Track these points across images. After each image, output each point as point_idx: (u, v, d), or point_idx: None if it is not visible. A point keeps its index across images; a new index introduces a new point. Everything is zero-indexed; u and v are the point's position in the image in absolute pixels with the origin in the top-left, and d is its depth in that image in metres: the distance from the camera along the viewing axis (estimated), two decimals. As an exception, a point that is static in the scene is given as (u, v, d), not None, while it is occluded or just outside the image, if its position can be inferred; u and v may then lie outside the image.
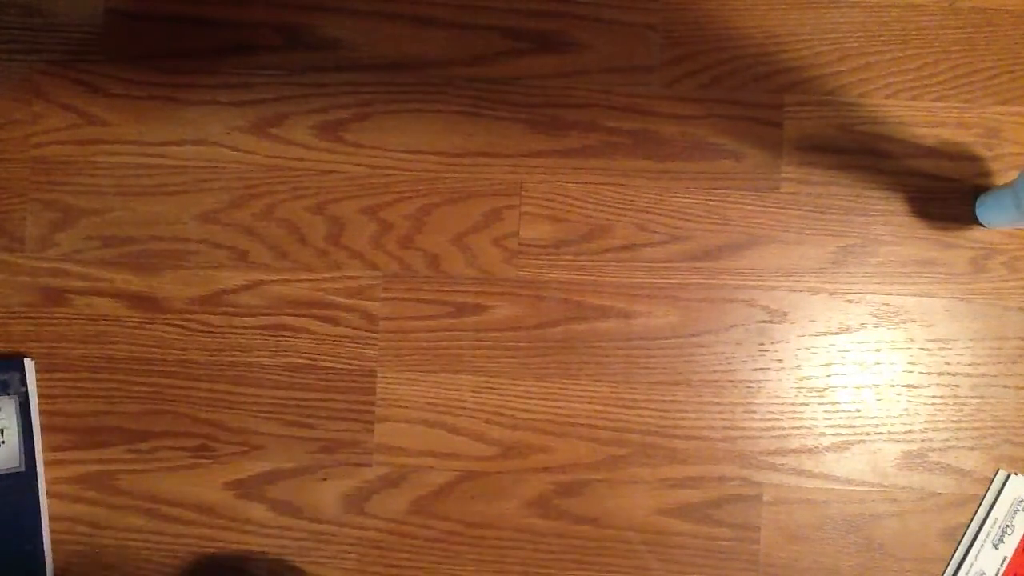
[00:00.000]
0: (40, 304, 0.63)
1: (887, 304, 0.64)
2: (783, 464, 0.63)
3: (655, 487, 0.63)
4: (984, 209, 0.62)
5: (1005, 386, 0.63)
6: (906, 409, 0.63)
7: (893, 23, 0.64)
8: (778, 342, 0.64)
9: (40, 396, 0.63)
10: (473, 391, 0.63)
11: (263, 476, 0.63)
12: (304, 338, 0.63)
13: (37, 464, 0.62)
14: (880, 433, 0.63)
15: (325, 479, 0.63)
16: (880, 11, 0.64)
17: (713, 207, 0.64)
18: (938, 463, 0.63)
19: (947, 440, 0.63)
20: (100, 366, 0.63)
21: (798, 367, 0.64)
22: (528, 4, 0.64)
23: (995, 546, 0.63)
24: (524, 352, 0.63)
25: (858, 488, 0.63)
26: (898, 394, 0.64)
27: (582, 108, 0.64)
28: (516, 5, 0.64)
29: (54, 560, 0.63)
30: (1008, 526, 0.63)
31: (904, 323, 0.64)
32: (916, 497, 0.63)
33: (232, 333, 0.64)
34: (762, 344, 0.64)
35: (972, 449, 0.63)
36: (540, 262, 0.63)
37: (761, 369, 0.63)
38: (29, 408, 0.62)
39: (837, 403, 0.64)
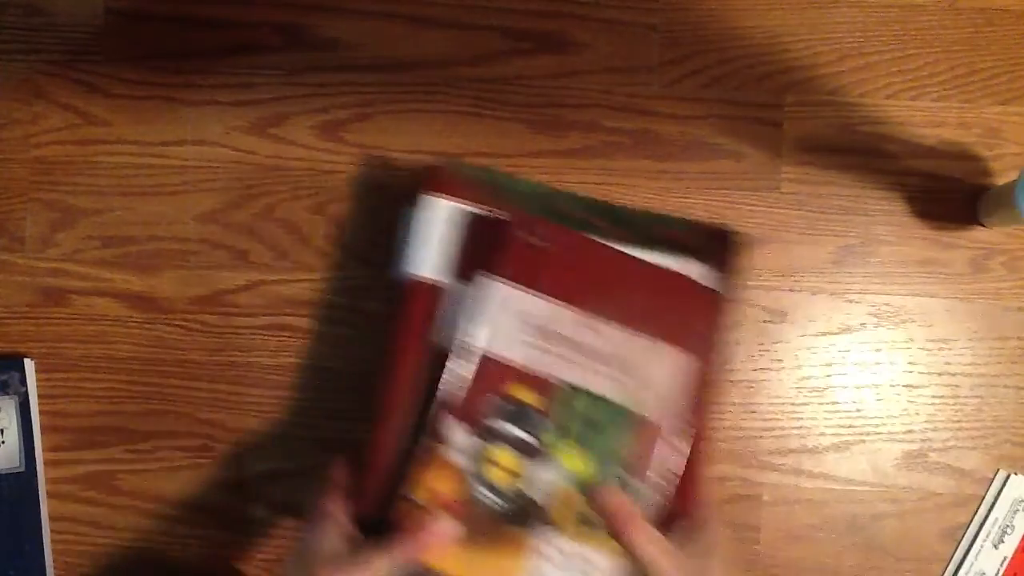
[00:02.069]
0: (40, 304, 0.63)
1: (887, 304, 0.64)
2: (783, 464, 0.63)
3: (655, 487, 0.63)
4: (984, 209, 0.62)
5: (1005, 386, 0.63)
6: (906, 409, 0.63)
7: (893, 23, 0.64)
8: (778, 342, 0.64)
9: (40, 396, 0.63)
10: (473, 391, 0.63)
11: (263, 476, 0.63)
12: (304, 338, 0.63)
13: (37, 464, 0.62)
14: (880, 433, 0.63)
15: (325, 479, 0.63)
16: (880, 11, 0.64)
17: (713, 207, 0.64)
18: (938, 463, 0.63)
19: (947, 440, 0.63)
20: (100, 366, 0.63)
21: (798, 367, 0.64)
22: (528, 4, 0.64)
23: (995, 546, 0.63)
24: (524, 352, 0.63)
25: (858, 488, 0.63)
26: (898, 394, 0.64)
27: (582, 108, 0.64)
28: (516, 5, 0.64)
29: (54, 560, 0.63)
30: (1008, 526, 0.63)
31: (904, 323, 0.64)
32: (916, 497, 0.63)
33: (232, 333, 0.64)
34: (762, 344, 0.63)
35: (972, 449, 0.63)
36: (540, 262, 0.63)
37: (761, 369, 0.63)
38: (29, 408, 0.62)
39: (837, 403, 0.64)
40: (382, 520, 0.49)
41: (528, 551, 0.49)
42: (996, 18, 0.64)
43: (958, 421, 0.63)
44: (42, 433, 0.63)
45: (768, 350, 0.64)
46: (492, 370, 0.51)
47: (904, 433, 0.63)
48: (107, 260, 0.64)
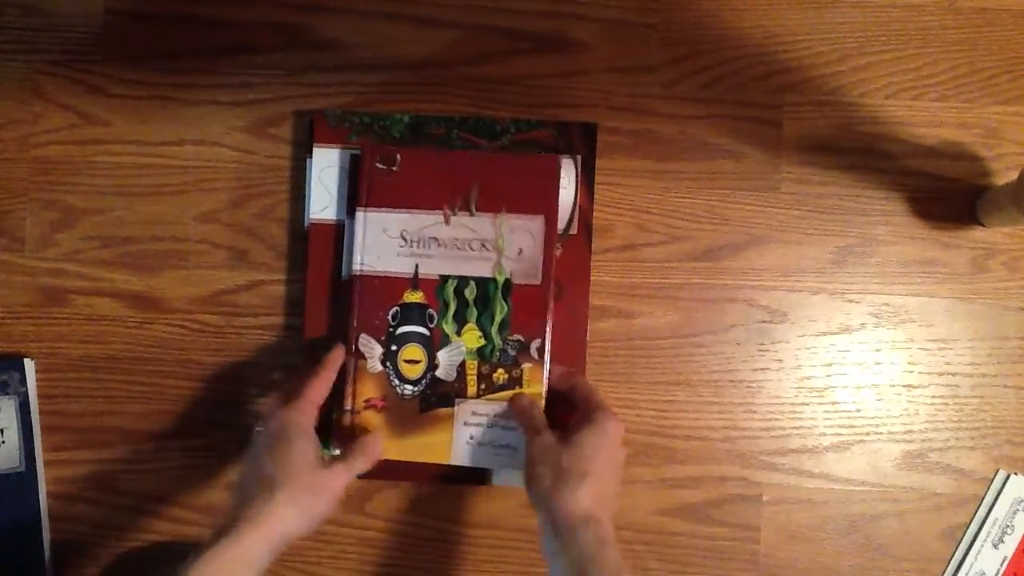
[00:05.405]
0: (40, 304, 0.63)
1: (887, 304, 0.64)
2: (783, 464, 0.63)
3: (655, 487, 0.63)
4: (984, 209, 0.62)
5: (1005, 386, 0.63)
6: (906, 409, 0.63)
7: (893, 23, 0.64)
8: (778, 342, 0.64)
9: (40, 396, 0.63)
10: (473, 391, 0.63)
11: (263, 476, 0.63)
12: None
13: (37, 464, 0.62)
14: (880, 433, 0.63)
15: (325, 479, 0.63)
16: (880, 11, 0.64)
17: (713, 207, 0.64)
18: (938, 463, 0.63)
19: (947, 440, 0.63)
20: (100, 366, 0.63)
21: (798, 367, 0.64)
22: (528, 4, 0.64)
23: (995, 546, 0.63)
24: (524, 352, 0.63)
25: (858, 488, 0.63)
26: (898, 394, 0.64)
27: (582, 108, 0.64)
28: (516, 5, 0.64)
29: (54, 560, 0.63)
30: (1008, 526, 0.63)
31: (904, 323, 0.64)
32: (916, 497, 0.63)
33: (232, 333, 0.63)
34: (762, 344, 0.63)
35: (972, 449, 0.63)
36: (540, 262, 0.63)
37: (761, 369, 0.63)
38: (29, 408, 0.62)
39: (837, 403, 0.64)
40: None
41: (450, 422, 0.59)
42: (996, 18, 0.64)
43: (958, 421, 0.63)
44: (42, 433, 0.63)
45: (768, 350, 0.63)
46: (381, 285, 0.60)
47: (904, 433, 0.63)
48: (107, 260, 0.64)
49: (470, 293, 0.59)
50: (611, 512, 0.52)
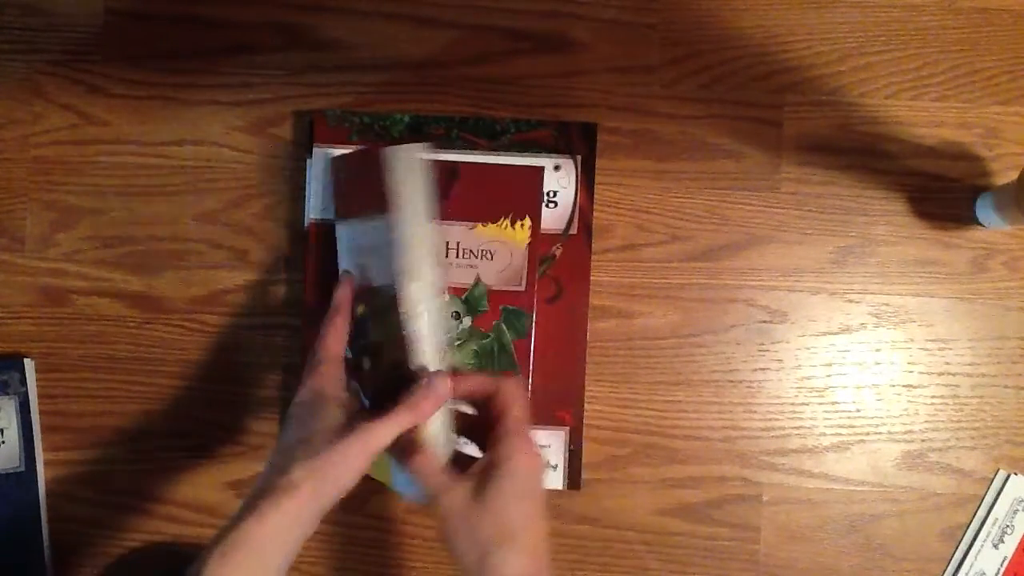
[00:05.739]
0: (40, 304, 0.63)
1: (887, 304, 0.64)
2: (783, 464, 0.63)
3: (655, 487, 0.63)
4: (984, 209, 0.62)
5: (1005, 386, 0.63)
6: (906, 409, 0.63)
7: (893, 23, 0.64)
8: (778, 342, 0.64)
9: (40, 396, 0.63)
10: (473, 391, 0.63)
11: (263, 476, 0.63)
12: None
13: (37, 464, 0.62)
14: (880, 433, 0.63)
15: (325, 479, 0.63)
16: (880, 11, 0.64)
17: (713, 207, 0.64)
18: (938, 463, 0.63)
19: (947, 440, 0.63)
20: (100, 366, 0.63)
21: (798, 367, 0.64)
22: (528, 4, 0.64)
23: (995, 546, 0.63)
24: (524, 352, 0.63)
25: (858, 488, 0.63)
26: (898, 394, 0.64)
27: (582, 108, 0.64)
28: (516, 5, 0.64)
29: (54, 560, 0.63)
30: (1008, 526, 0.63)
31: (904, 323, 0.64)
32: (916, 497, 0.63)
33: (232, 333, 0.63)
34: (762, 344, 0.63)
35: (972, 449, 0.63)
36: (540, 262, 0.63)
37: (761, 369, 0.63)
38: (29, 408, 0.62)
39: (837, 403, 0.64)
40: None
41: None
42: (996, 18, 0.64)
43: (958, 421, 0.63)
44: (42, 433, 0.63)
45: (768, 350, 0.63)
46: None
47: (904, 433, 0.63)
48: (107, 260, 0.64)
49: (377, 304, 0.53)
50: (547, 562, 0.47)
